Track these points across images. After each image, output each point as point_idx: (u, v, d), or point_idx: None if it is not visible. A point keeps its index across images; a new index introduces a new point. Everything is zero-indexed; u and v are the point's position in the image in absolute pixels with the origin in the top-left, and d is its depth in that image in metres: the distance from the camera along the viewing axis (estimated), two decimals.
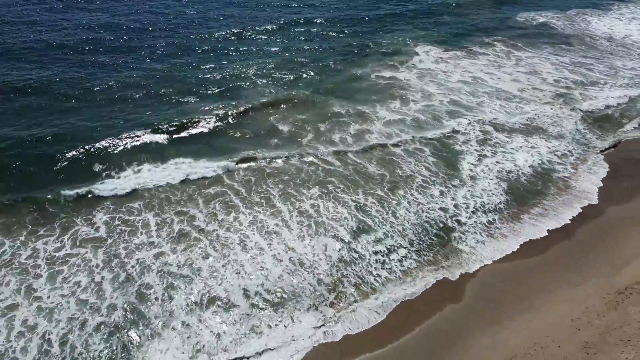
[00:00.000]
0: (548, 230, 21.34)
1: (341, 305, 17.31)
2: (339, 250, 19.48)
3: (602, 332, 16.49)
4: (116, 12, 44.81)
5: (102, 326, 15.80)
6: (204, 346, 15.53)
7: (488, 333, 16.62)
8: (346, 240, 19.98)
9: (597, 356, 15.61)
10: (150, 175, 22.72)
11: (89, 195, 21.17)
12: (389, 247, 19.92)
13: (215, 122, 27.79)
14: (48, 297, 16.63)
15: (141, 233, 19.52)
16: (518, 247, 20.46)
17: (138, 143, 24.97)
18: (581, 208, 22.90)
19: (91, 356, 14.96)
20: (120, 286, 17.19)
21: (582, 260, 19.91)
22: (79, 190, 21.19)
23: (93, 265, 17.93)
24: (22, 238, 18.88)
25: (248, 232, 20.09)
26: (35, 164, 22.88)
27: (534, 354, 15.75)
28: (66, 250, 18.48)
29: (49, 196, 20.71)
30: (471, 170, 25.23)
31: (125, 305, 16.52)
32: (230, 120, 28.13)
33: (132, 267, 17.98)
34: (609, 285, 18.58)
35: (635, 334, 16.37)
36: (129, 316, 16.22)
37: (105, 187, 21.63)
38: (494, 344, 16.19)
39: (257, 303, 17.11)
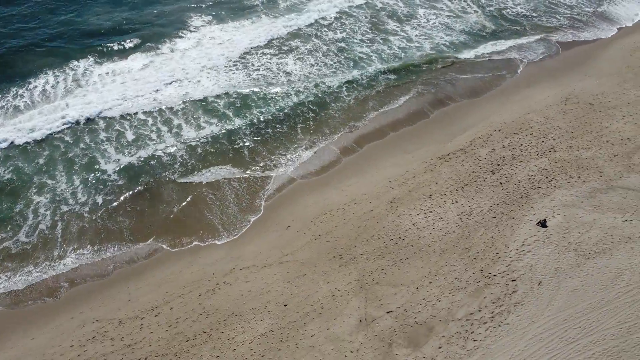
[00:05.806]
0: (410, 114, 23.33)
1: None
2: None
3: (410, 190, 19.02)
4: None
5: None
6: None
7: (315, 194, 19.16)
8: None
9: (399, 208, 18.23)
10: None
11: None
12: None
13: None
14: None
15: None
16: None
17: None
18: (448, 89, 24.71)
19: None
20: None
21: (423, 133, 22.03)
22: None
23: None
24: None
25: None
26: None
27: (346, 209, 18.39)
28: None
29: None
30: (363, 54, 26.75)
31: None
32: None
33: None
34: (435, 152, 20.82)
35: (437, 190, 18.92)
36: None
37: None
38: (315, 202, 18.80)
39: None
